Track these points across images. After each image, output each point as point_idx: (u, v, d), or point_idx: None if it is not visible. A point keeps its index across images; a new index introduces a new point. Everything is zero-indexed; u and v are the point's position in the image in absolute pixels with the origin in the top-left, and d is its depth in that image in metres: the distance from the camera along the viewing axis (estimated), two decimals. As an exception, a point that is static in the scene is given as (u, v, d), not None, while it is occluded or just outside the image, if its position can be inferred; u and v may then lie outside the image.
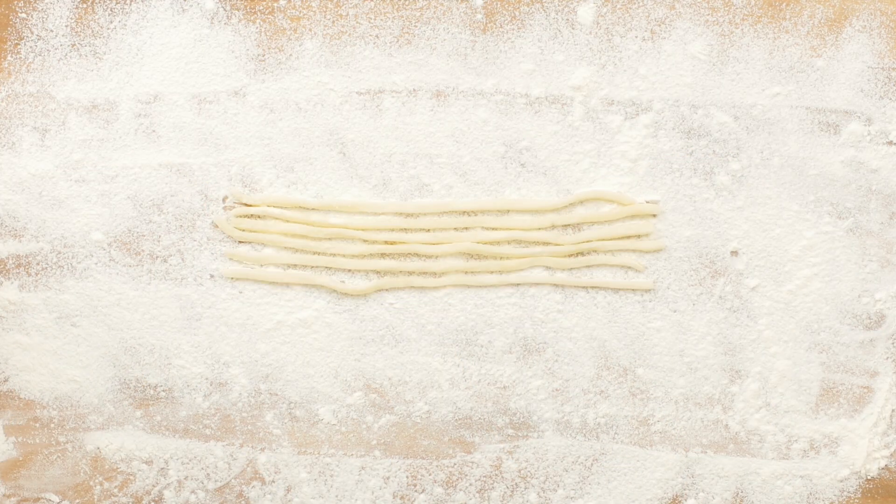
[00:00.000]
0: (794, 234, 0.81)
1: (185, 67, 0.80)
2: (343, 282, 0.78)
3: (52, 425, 0.82)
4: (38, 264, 0.81)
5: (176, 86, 0.80)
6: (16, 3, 0.80)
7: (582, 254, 0.81)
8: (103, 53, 0.80)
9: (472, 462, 0.82)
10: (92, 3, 0.80)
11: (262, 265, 0.78)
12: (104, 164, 0.80)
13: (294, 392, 0.82)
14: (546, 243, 0.80)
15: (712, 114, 0.80)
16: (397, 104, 0.80)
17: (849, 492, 0.83)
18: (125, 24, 0.80)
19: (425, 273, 0.79)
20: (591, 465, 0.83)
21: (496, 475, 0.83)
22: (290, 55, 0.80)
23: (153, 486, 0.82)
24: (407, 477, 0.82)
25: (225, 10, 0.80)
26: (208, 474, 0.83)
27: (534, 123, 0.80)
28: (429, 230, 0.80)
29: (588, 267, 0.81)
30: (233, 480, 0.82)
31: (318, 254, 0.78)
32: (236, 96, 0.80)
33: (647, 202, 0.81)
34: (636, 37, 0.80)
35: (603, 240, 0.80)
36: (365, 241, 0.79)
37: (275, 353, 0.82)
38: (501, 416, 0.82)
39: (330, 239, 0.78)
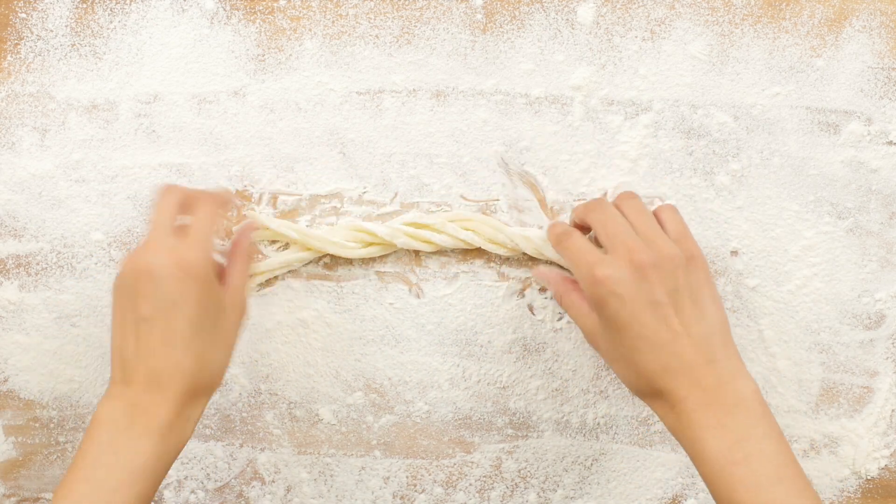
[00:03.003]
0: (794, 234, 0.81)
1: (184, 67, 0.80)
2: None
3: (52, 425, 0.82)
4: (37, 264, 0.80)
5: (176, 86, 0.80)
6: (16, 3, 0.79)
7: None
8: (103, 53, 0.80)
9: (472, 462, 0.82)
10: (92, 3, 0.79)
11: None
12: (104, 164, 0.80)
13: (294, 392, 0.82)
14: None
15: (712, 114, 0.80)
16: (397, 104, 0.80)
17: (849, 492, 0.82)
18: (125, 24, 0.79)
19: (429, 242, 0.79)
20: (591, 465, 0.82)
21: (496, 475, 0.82)
22: (290, 55, 0.80)
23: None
24: (407, 477, 0.82)
25: (225, 10, 0.80)
26: (208, 474, 0.82)
27: (534, 123, 0.80)
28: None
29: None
30: (233, 480, 0.82)
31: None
32: (236, 96, 0.80)
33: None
34: (636, 37, 0.80)
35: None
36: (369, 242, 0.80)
37: (275, 353, 0.81)
38: (501, 416, 0.82)
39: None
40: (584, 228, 0.74)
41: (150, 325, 0.65)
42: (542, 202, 0.81)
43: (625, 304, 0.66)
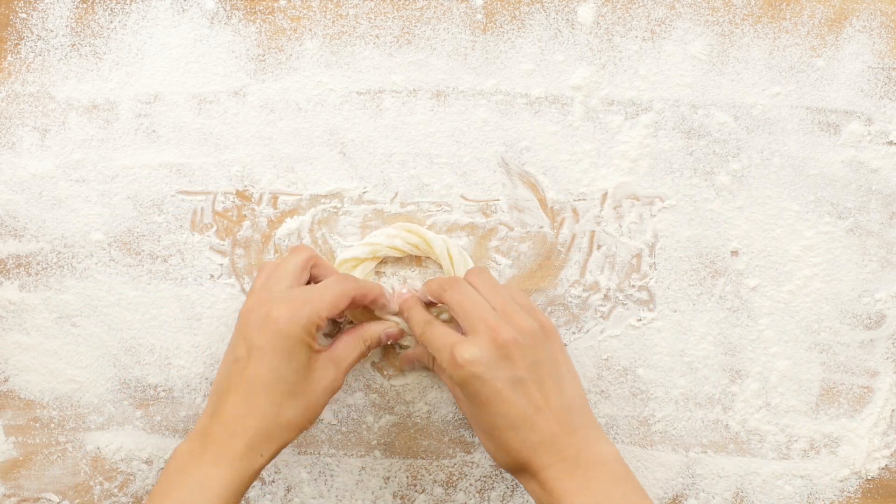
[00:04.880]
0: (794, 234, 0.80)
1: (185, 67, 0.79)
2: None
3: (52, 425, 0.81)
4: (38, 264, 0.80)
5: (176, 86, 0.79)
6: (16, 3, 0.79)
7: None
8: (103, 53, 0.79)
9: (472, 462, 0.81)
10: (92, 3, 0.79)
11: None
12: (104, 164, 0.79)
13: (294, 392, 0.81)
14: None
15: (712, 114, 0.79)
16: (397, 104, 0.79)
17: (849, 492, 0.82)
18: (125, 24, 0.79)
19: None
20: (591, 465, 0.82)
21: (496, 475, 0.81)
22: (291, 55, 0.79)
23: (153, 485, 0.79)
24: (407, 477, 0.81)
25: (225, 10, 0.79)
26: (208, 474, 0.82)
27: (534, 123, 0.79)
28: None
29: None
30: (233, 480, 0.82)
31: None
32: (236, 96, 0.78)
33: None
34: (636, 37, 0.79)
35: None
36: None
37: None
38: (501, 416, 0.81)
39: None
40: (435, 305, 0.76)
41: (241, 365, 0.67)
42: (543, 202, 0.80)
43: (486, 383, 0.66)
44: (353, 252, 0.78)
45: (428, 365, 0.76)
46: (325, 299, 0.69)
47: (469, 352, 0.66)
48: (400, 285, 0.77)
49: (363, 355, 0.74)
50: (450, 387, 0.73)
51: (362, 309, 0.76)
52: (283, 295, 0.69)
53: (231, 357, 0.69)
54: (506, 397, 0.66)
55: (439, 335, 0.70)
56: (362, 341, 0.74)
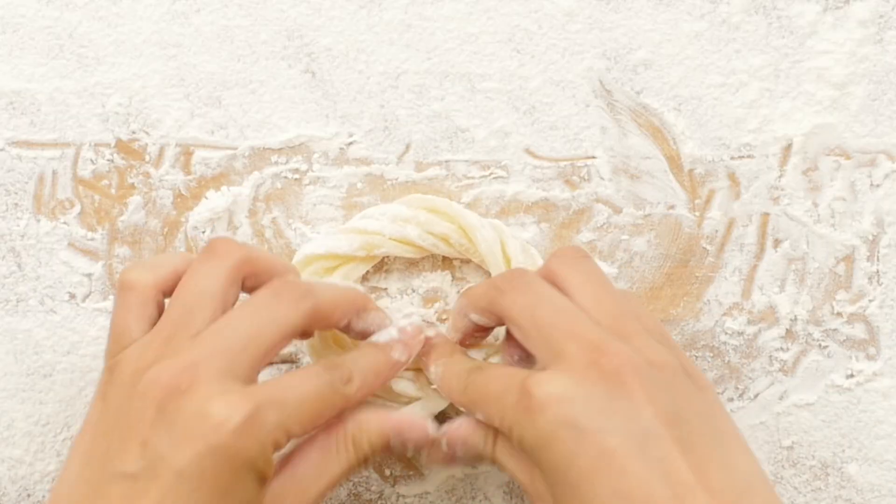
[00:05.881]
0: None
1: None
2: None
3: None
4: None
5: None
6: None
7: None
8: None
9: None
10: None
11: None
12: None
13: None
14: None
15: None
16: (410, -15, 0.60)
17: None
18: None
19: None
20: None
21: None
22: None
23: None
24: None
25: None
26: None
27: (658, 18, 0.60)
28: None
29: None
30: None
31: None
32: (120, -27, 0.60)
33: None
34: None
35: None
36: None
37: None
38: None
39: None
40: (484, 330, 0.56)
41: (130, 490, 0.47)
42: (674, 161, 0.61)
43: (587, 437, 0.47)
44: (328, 244, 0.60)
45: (483, 451, 0.53)
46: (304, 396, 0.49)
47: (554, 383, 0.47)
48: (413, 325, 0.57)
49: (352, 471, 0.52)
50: (511, 470, 0.52)
51: (341, 332, 0.55)
52: (222, 368, 0.48)
53: (110, 468, 0.48)
54: (625, 466, 0.46)
55: (496, 376, 0.50)
56: (351, 447, 0.53)
